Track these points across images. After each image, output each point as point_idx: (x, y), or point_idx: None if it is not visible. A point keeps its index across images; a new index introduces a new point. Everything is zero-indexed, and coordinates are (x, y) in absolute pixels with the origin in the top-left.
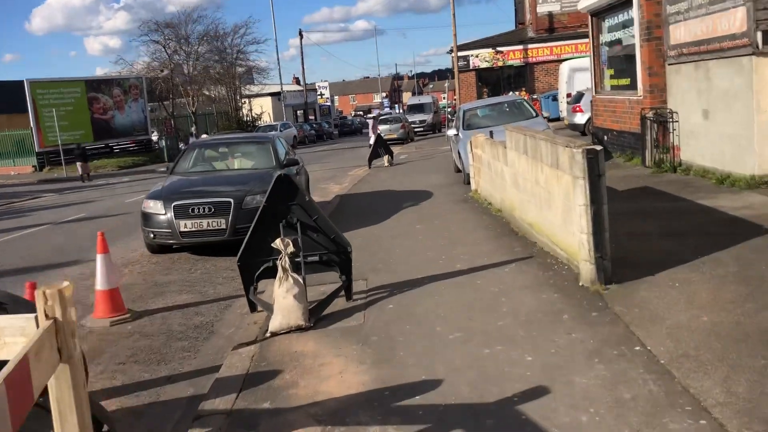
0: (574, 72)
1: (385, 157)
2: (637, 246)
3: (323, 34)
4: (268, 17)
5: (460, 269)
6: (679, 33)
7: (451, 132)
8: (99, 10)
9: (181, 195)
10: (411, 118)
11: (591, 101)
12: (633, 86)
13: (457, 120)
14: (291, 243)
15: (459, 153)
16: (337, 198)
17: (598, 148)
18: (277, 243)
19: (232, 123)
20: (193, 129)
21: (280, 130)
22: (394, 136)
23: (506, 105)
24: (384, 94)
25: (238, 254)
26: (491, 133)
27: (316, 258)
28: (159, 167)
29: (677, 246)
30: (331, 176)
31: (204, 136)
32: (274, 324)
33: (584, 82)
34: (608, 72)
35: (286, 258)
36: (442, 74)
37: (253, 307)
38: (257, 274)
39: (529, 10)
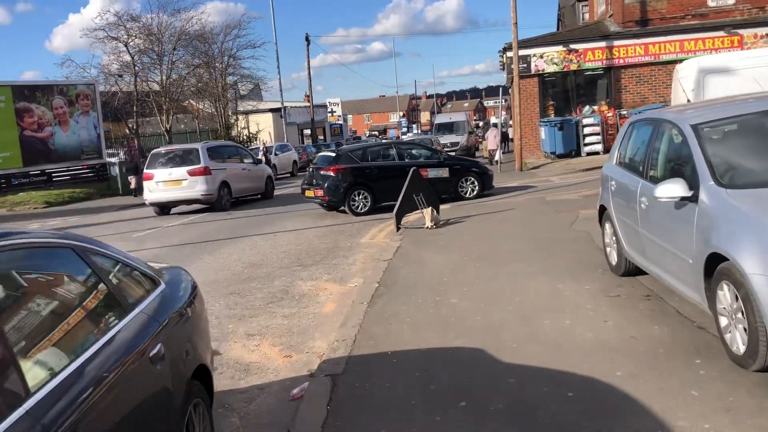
0: (706, 75)
1: (426, 212)
2: None
3: (341, 55)
4: (278, 32)
5: None
6: None
7: (668, 191)
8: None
9: None
10: (441, 141)
11: None
12: None
13: (668, 151)
14: None
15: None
16: (324, 401)
17: None
18: None
19: None
20: None
21: (276, 154)
22: None
23: None
24: (401, 114)
25: None
26: None
27: None
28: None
29: None
30: (329, 249)
31: None
32: None
33: (727, 90)
34: None
35: None
36: (459, 95)
37: None
38: None
39: None
